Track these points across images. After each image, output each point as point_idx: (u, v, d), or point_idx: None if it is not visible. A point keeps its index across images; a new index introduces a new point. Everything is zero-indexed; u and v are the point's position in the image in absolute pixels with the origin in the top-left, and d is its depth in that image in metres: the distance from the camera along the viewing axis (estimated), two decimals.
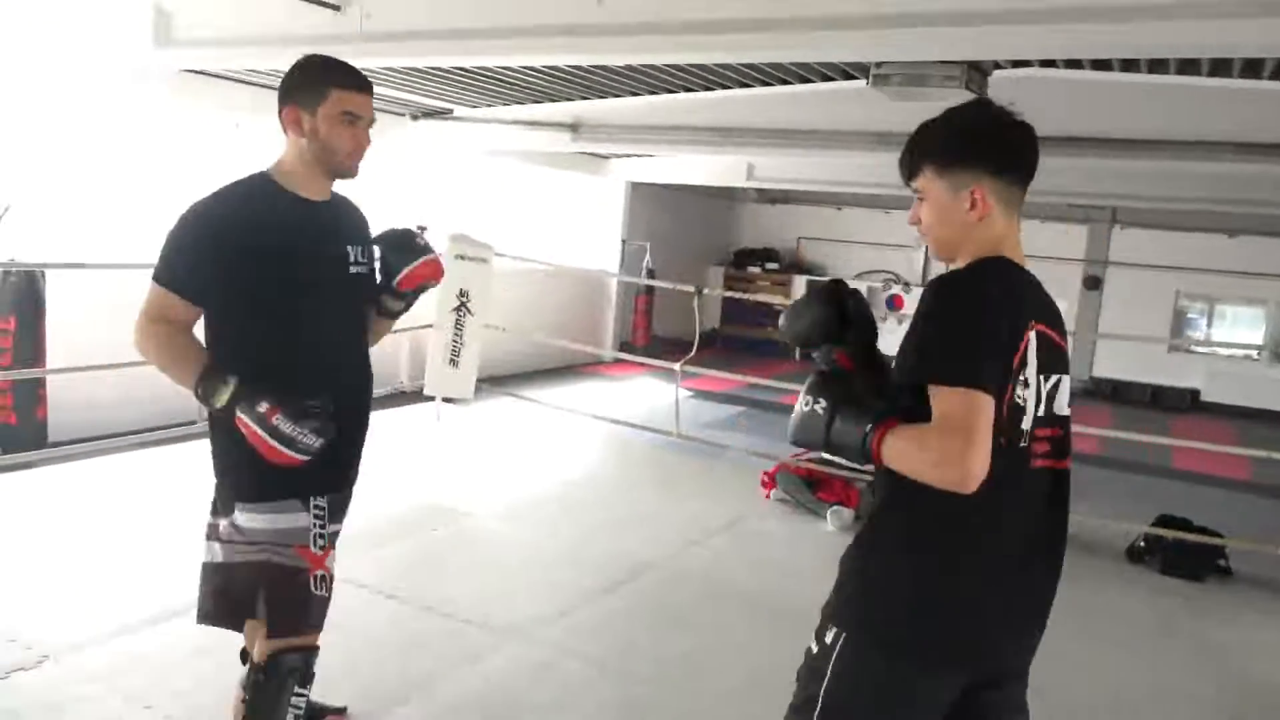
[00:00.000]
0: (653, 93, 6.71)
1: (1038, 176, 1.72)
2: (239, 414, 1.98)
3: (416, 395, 7.21)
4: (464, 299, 6.45)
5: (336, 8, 4.03)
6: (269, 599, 2.08)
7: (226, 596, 2.11)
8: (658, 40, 3.60)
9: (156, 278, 2.09)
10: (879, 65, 3.96)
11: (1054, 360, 1.66)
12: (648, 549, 4.48)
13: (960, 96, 3.92)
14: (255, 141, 7.33)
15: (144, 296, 2.10)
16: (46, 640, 3.11)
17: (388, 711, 2.89)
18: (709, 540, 4.76)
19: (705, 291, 6.45)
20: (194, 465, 5.21)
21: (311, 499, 2.12)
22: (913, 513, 1.64)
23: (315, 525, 2.12)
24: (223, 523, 2.12)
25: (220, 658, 3.01)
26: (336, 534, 2.24)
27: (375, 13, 4.01)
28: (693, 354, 6.00)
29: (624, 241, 11.54)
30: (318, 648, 2.19)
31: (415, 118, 7.74)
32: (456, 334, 6.48)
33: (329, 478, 2.18)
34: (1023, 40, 3.10)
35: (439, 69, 5.88)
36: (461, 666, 3.20)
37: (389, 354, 8.03)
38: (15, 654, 3.02)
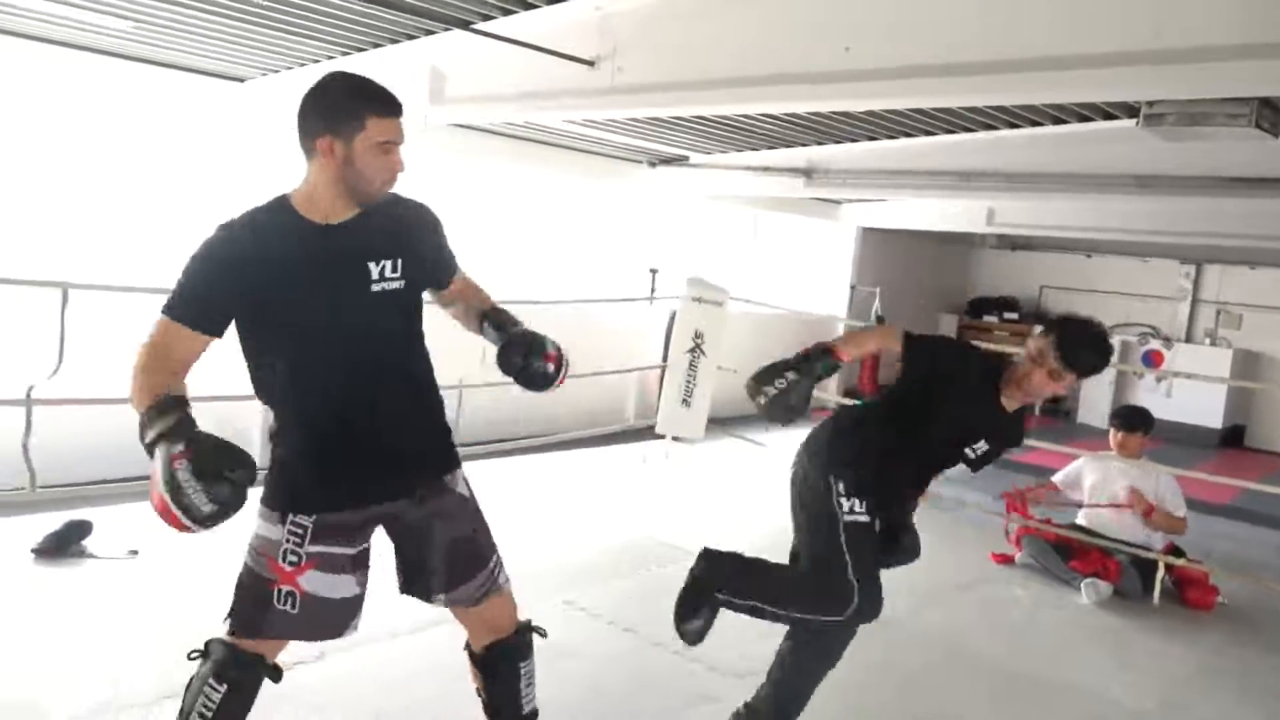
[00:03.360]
0: (890, 137, 6.59)
1: None
2: (152, 451, 1.83)
3: (644, 431, 7.40)
4: (698, 340, 6.58)
5: (590, 64, 4.28)
6: (237, 594, 2.15)
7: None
8: (906, 85, 3.53)
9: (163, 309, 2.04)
10: (1151, 104, 3.67)
11: None
12: (887, 605, 4.28)
13: (1247, 135, 3.57)
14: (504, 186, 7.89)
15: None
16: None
17: None
18: (948, 600, 4.52)
19: None
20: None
21: (291, 515, 2.08)
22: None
23: (289, 541, 2.08)
24: None
25: (446, 674, 3.22)
26: (340, 555, 2.14)
27: (626, 67, 4.22)
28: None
29: (853, 287, 11.32)
30: (270, 664, 2.18)
31: (653, 164, 8.03)
32: (690, 375, 6.60)
33: (329, 497, 2.11)
34: None
35: (680, 118, 6.08)
36: (697, 706, 3.17)
37: (617, 392, 8.31)
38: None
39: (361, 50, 5.14)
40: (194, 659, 2.18)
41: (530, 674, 2.36)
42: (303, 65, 5.52)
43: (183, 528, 1.79)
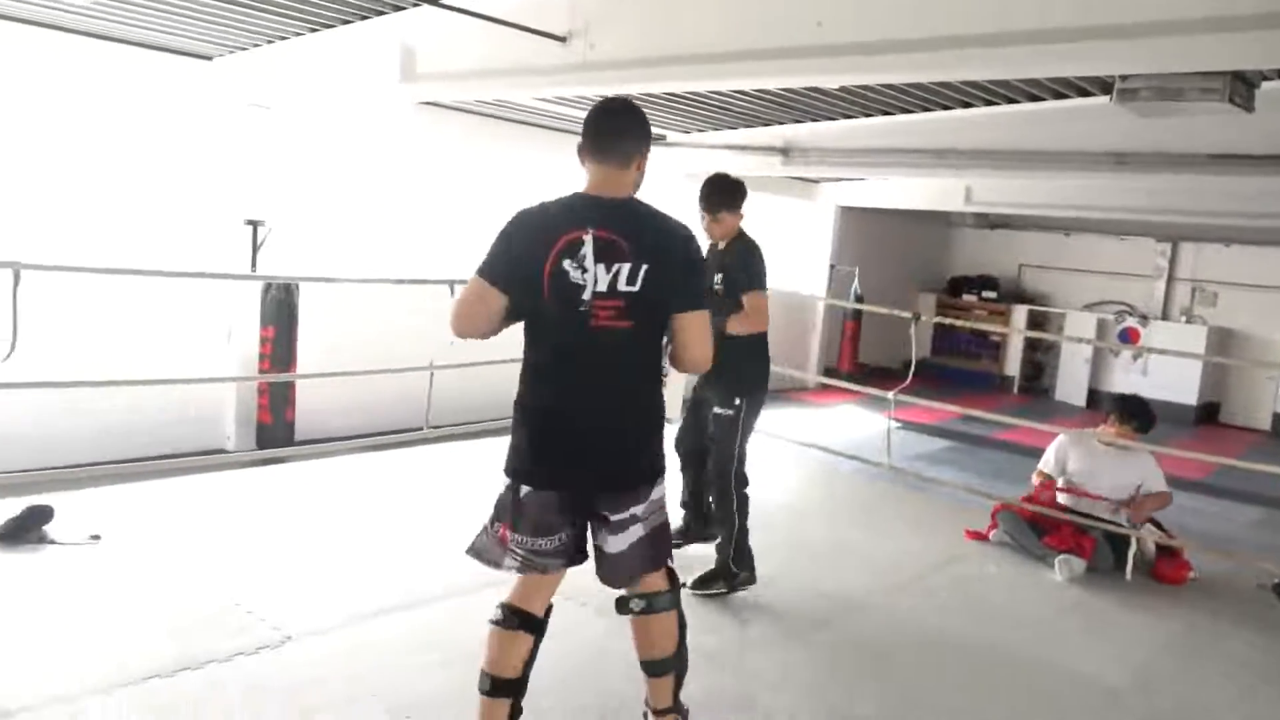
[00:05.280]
0: (866, 115, 6.58)
1: None
2: None
3: None
4: None
5: (563, 39, 4.21)
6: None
7: None
8: (879, 60, 3.50)
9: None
10: (1125, 79, 3.65)
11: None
12: (856, 587, 4.27)
13: (1221, 110, 3.56)
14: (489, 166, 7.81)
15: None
16: (290, 623, 3.35)
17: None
18: (922, 581, 4.50)
19: (922, 318, 6.17)
20: (419, 470, 5.62)
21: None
22: None
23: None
24: None
25: (446, 653, 3.18)
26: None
27: (598, 43, 4.16)
28: (907, 383, 5.75)
29: (832, 266, 11.32)
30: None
31: None
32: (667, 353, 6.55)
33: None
34: None
35: (654, 96, 6.02)
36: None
37: None
38: (264, 632, 3.25)
39: (330, 27, 5.06)
40: None
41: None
42: (270, 42, 5.43)
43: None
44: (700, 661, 3.24)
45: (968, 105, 6.02)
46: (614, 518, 2.37)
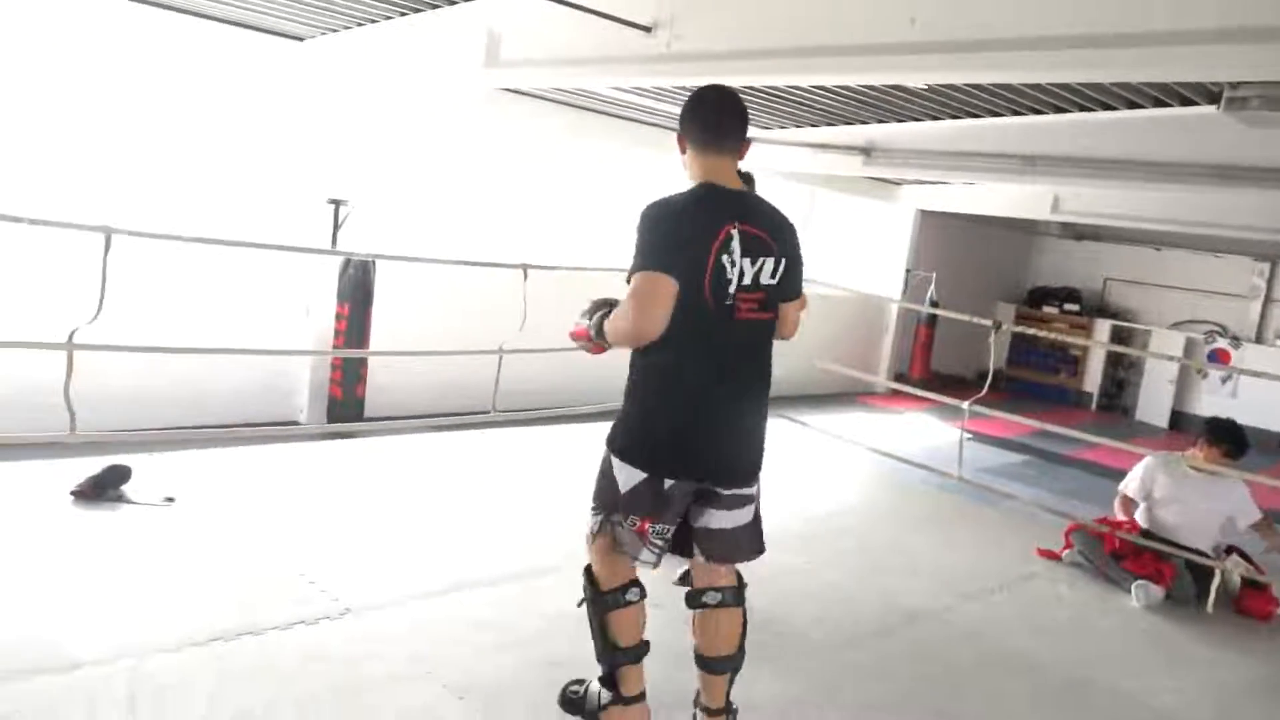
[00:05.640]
0: (954, 117, 6.38)
1: None
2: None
3: None
4: None
5: (648, 29, 4.18)
6: None
7: None
8: (974, 59, 3.38)
9: None
10: (1235, 86, 3.47)
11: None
12: (923, 597, 4.18)
13: None
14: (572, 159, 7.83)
15: None
16: (351, 596, 3.37)
17: None
18: (990, 596, 4.37)
19: (1004, 326, 5.97)
20: (484, 453, 5.67)
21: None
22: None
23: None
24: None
25: (501, 635, 3.21)
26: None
27: (684, 34, 4.11)
28: (983, 393, 5.58)
29: (909, 271, 11.08)
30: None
31: None
32: None
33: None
34: None
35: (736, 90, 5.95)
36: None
37: None
38: (325, 604, 3.30)
39: (419, 11, 5.10)
40: None
41: None
42: (361, 25, 5.50)
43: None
44: (759, 663, 3.20)
45: (1061, 111, 5.80)
46: (727, 493, 2.44)
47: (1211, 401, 11.03)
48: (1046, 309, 12.57)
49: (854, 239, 11.02)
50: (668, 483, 2.38)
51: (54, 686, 2.59)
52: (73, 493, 3.99)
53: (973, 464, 7.33)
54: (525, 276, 5.20)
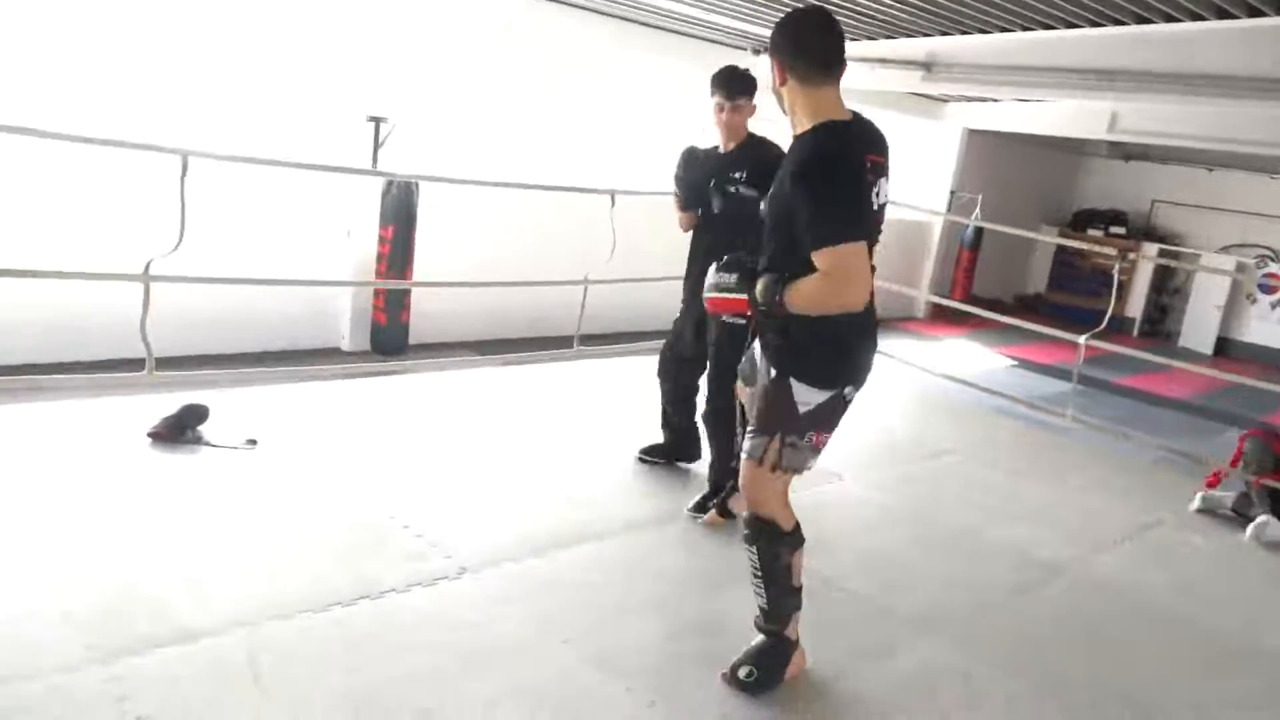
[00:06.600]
0: (1025, 28, 6.06)
1: None
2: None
3: None
4: None
5: None
6: None
7: None
8: None
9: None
10: None
11: None
12: (1048, 549, 3.93)
13: None
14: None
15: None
16: (463, 551, 3.14)
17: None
18: (1118, 547, 4.08)
19: (1131, 257, 5.70)
20: (561, 384, 5.37)
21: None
22: None
23: None
24: None
25: (639, 596, 3.04)
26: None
27: None
28: (1101, 327, 5.46)
29: (953, 193, 10.76)
30: None
31: (757, 52, 7.56)
32: None
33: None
34: None
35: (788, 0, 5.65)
36: (876, 660, 2.88)
37: None
38: (438, 563, 3.05)
39: None
40: None
41: None
42: None
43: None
44: (897, 624, 3.10)
45: (1120, 23, 5.50)
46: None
47: (1261, 328, 10.79)
48: (1092, 231, 12.23)
49: (897, 158, 10.65)
50: (848, 390, 2.52)
51: (171, 659, 2.38)
52: (150, 434, 3.73)
53: (1022, 390, 7.20)
54: (613, 203, 4.96)
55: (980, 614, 3.30)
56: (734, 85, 3.64)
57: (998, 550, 3.90)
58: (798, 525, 2.56)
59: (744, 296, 2.46)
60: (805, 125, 2.37)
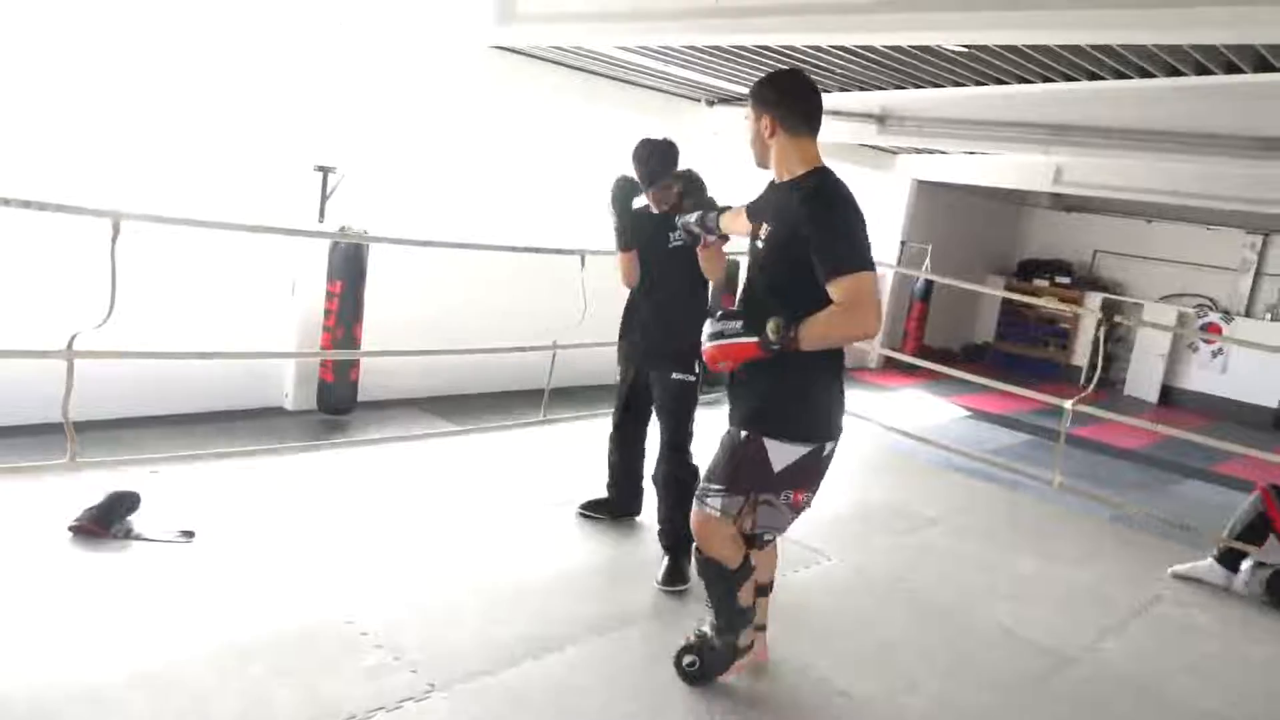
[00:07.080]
0: (978, 83, 6.12)
1: None
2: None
3: None
4: None
5: None
6: None
7: None
8: (1018, 16, 3.21)
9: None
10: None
11: None
12: (1054, 633, 3.74)
13: None
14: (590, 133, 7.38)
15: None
16: (427, 664, 2.84)
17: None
18: (1124, 630, 3.90)
19: (1116, 319, 5.64)
20: (515, 451, 5.16)
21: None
22: None
23: None
24: None
25: (640, 703, 2.80)
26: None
27: None
28: (1089, 391, 5.34)
29: (903, 243, 10.85)
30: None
31: (711, 103, 7.55)
32: None
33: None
34: None
35: (743, 50, 5.62)
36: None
37: None
38: (404, 678, 2.75)
39: None
40: None
41: None
42: None
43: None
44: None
45: (1070, 79, 5.58)
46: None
47: (1203, 376, 11.00)
48: (1037, 281, 12.43)
49: None
50: (828, 447, 2.55)
51: None
52: (72, 528, 3.38)
53: (978, 444, 7.15)
54: (583, 264, 4.81)
55: (998, 714, 3.08)
56: (660, 170, 3.62)
57: (1001, 635, 3.70)
58: (746, 557, 2.71)
59: (754, 340, 2.46)
60: (798, 171, 2.57)
